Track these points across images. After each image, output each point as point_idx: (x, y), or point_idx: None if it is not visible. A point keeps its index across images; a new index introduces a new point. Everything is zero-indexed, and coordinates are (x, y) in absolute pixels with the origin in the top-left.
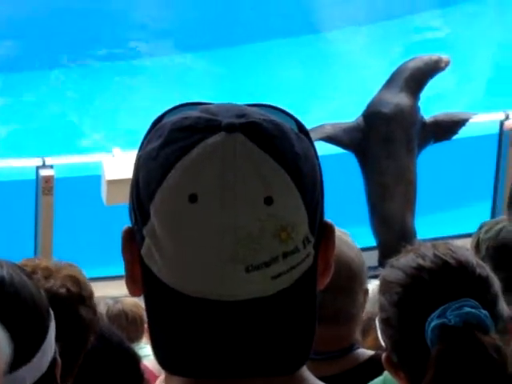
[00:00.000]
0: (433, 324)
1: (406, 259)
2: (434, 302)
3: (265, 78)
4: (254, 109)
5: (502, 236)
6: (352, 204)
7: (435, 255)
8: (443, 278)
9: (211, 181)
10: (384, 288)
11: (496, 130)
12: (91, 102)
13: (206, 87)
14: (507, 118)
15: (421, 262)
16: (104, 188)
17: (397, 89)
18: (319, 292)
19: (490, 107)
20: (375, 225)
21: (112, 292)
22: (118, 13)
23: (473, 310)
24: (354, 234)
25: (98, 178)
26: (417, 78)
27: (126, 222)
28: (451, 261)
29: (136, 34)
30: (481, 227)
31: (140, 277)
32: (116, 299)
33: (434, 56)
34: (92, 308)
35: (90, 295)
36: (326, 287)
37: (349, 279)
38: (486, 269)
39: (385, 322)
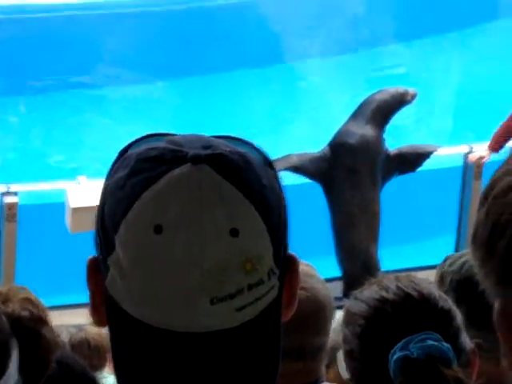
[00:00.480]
0: (396, 356)
1: (369, 291)
2: (396, 334)
3: (231, 109)
4: (220, 140)
5: (465, 269)
6: (317, 234)
7: (398, 287)
8: (406, 311)
9: (177, 212)
10: (348, 320)
11: (460, 162)
12: (56, 130)
13: (171, 118)
14: (471, 150)
15: (384, 294)
16: (69, 215)
17: (363, 120)
18: (285, 326)
19: (454, 140)
20: (340, 255)
21: (77, 320)
22: (83, 42)
23: (435, 343)
24: (319, 265)
25: (62, 206)
26: (383, 111)
27: (91, 250)
28: (414, 293)
29: (102, 63)
30: (445, 260)
31: (104, 306)
32: (80, 327)
33: (401, 89)
34: (52, 328)
35: (47, 315)
36: (292, 320)
37: (315, 313)
38: (448, 302)
39: (348, 354)
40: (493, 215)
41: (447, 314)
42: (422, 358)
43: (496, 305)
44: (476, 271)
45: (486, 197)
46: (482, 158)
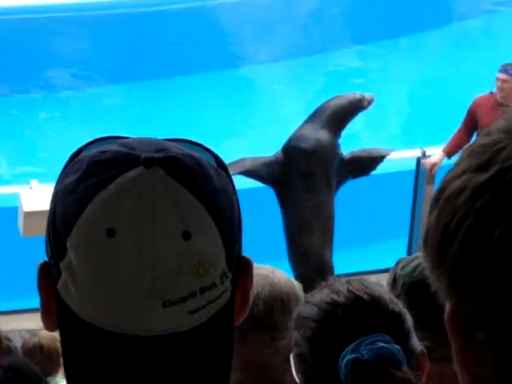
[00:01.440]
0: (346, 359)
1: (320, 295)
2: (347, 337)
3: (183, 112)
4: (173, 143)
5: (417, 272)
6: (270, 238)
7: (349, 291)
8: (357, 314)
9: (129, 215)
10: (299, 323)
11: (413, 166)
12: (8, 135)
13: (123, 121)
14: (424, 154)
15: (335, 297)
16: (21, 220)
17: (318, 125)
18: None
19: (407, 144)
20: (293, 259)
21: (29, 325)
22: (32, 45)
23: (386, 345)
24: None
25: (15, 210)
26: (339, 116)
27: (43, 254)
28: (365, 296)
29: (54, 67)
30: (397, 263)
31: (55, 311)
32: (33, 332)
33: (357, 95)
34: None
35: None
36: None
37: (283, 315)
38: (398, 305)
39: (299, 358)
40: (444, 218)
41: (398, 317)
42: (373, 359)
43: (447, 308)
44: (427, 274)
45: (437, 200)
46: (435, 164)
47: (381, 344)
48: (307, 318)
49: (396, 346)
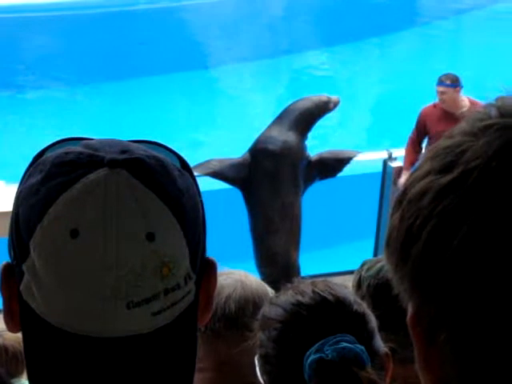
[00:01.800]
0: (310, 359)
1: (285, 296)
2: (312, 337)
3: (150, 113)
4: (138, 145)
5: (382, 274)
6: (237, 240)
7: (314, 292)
8: (321, 314)
9: (93, 216)
10: (263, 324)
11: (379, 168)
12: None
13: (88, 122)
14: (390, 156)
15: (300, 298)
16: None
17: (285, 127)
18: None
19: (373, 146)
20: (260, 260)
21: None
22: (2, 46)
23: (349, 345)
24: (239, 269)
25: None
26: (305, 118)
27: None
28: (329, 297)
29: (20, 68)
30: (362, 265)
31: (18, 312)
32: None
33: (323, 96)
34: None
35: None
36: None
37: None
38: (363, 306)
39: (264, 358)
40: (407, 220)
41: (362, 318)
42: (336, 359)
43: (409, 309)
44: (390, 275)
45: (400, 201)
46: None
47: (344, 344)
48: (272, 319)
49: (360, 347)
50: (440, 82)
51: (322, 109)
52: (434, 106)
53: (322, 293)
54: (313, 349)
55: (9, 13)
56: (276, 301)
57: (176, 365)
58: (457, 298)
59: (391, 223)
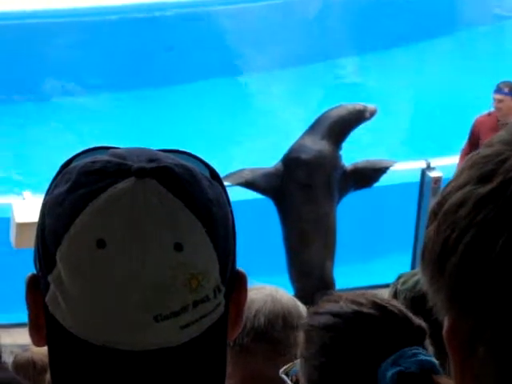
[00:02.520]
0: (391, 372)
1: (337, 305)
2: (376, 348)
3: (182, 122)
4: (166, 154)
5: (418, 288)
6: (270, 252)
7: (374, 303)
8: (387, 326)
9: (120, 226)
10: (310, 334)
11: (417, 178)
12: (1, 145)
13: (118, 131)
14: (429, 166)
15: (356, 308)
16: (13, 231)
17: (319, 136)
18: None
19: (411, 155)
20: (293, 272)
21: (20, 340)
22: (25, 54)
23: (427, 358)
24: (271, 283)
25: (7, 221)
26: (340, 127)
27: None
28: (394, 310)
29: (48, 76)
30: (398, 278)
31: (44, 326)
32: (25, 347)
33: (359, 105)
34: None
35: None
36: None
37: (285, 330)
38: (421, 319)
39: (314, 367)
40: (444, 232)
41: (423, 330)
42: (418, 371)
43: (445, 323)
44: (425, 287)
45: (435, 213)
46: None
47: (422, 357)
48: (322, 329)
49: (433, 357)
50: (498, 90)
51: (357, 117)
52: (489, 114)
53: (381, 302)
54: (389, 361)
55: (33, 18)
56: (323, 311)
57: (205, 379)
58: (497, 309)
59: (427, 235)
